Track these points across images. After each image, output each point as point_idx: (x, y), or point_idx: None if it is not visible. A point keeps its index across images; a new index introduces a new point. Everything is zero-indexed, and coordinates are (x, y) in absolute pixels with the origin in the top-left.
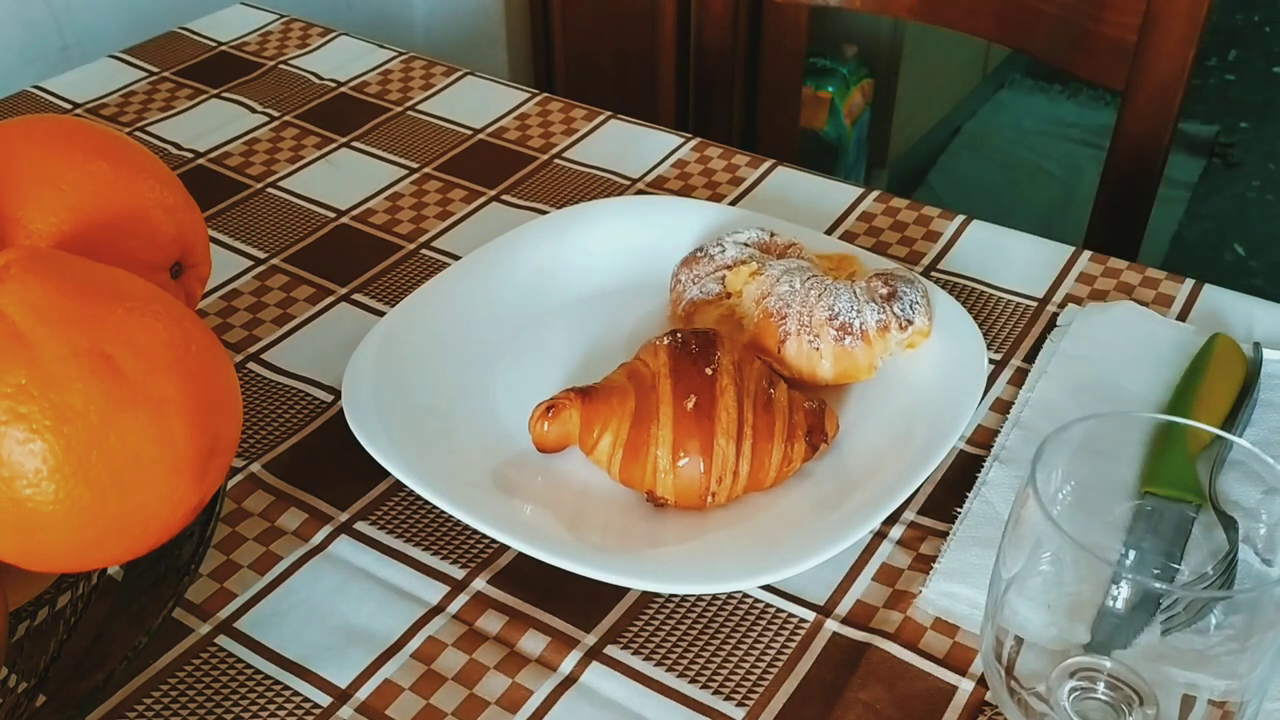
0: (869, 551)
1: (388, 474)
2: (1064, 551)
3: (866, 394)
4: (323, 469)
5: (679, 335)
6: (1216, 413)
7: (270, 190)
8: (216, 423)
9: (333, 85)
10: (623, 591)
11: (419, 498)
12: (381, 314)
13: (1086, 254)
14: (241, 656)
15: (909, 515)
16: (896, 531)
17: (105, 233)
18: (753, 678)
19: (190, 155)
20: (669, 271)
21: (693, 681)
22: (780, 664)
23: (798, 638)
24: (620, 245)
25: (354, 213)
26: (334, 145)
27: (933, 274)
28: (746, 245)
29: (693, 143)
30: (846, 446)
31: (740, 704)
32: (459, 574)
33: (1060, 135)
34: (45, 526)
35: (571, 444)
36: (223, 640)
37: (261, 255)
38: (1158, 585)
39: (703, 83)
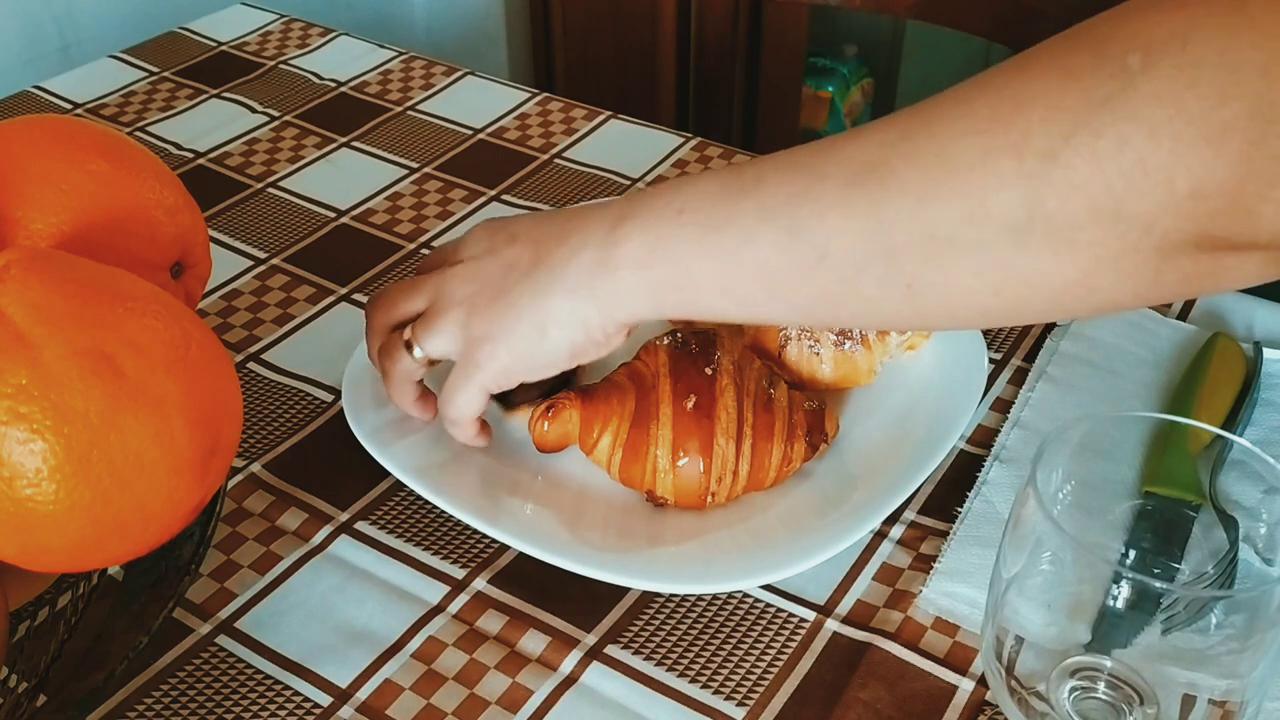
0: (869, 551)
1: (388, 474)
2: (1064, 551)
3: (866, 394)
4: (323, 469)
5: (679, 335)
6: (1217, 412)
7: (270, 190)
8: (217, 422)
9: (333, 85)
10: (623, 591)
11: (419, 498)
12: None
13: None
14: (242, 656)
15: (909, 515)
16: (897, 531)
17: (105, 233)
18: (753, 678)
19: (190, 155)
20: None
21: (693, 681)
22: (780, 664)
23: (798, 637)
24: None
25: (354, 213)
26: (334, 145)
27: None
28: None
29: (693, 143)
30: (846, 446)
31: (740, 704)
32: (459, 574)
33: None
34: (45, 526)
35: (571, 444)
36: (223, 640)
37: (261, 255)
38: (1158, 585)
39: (703, 82)
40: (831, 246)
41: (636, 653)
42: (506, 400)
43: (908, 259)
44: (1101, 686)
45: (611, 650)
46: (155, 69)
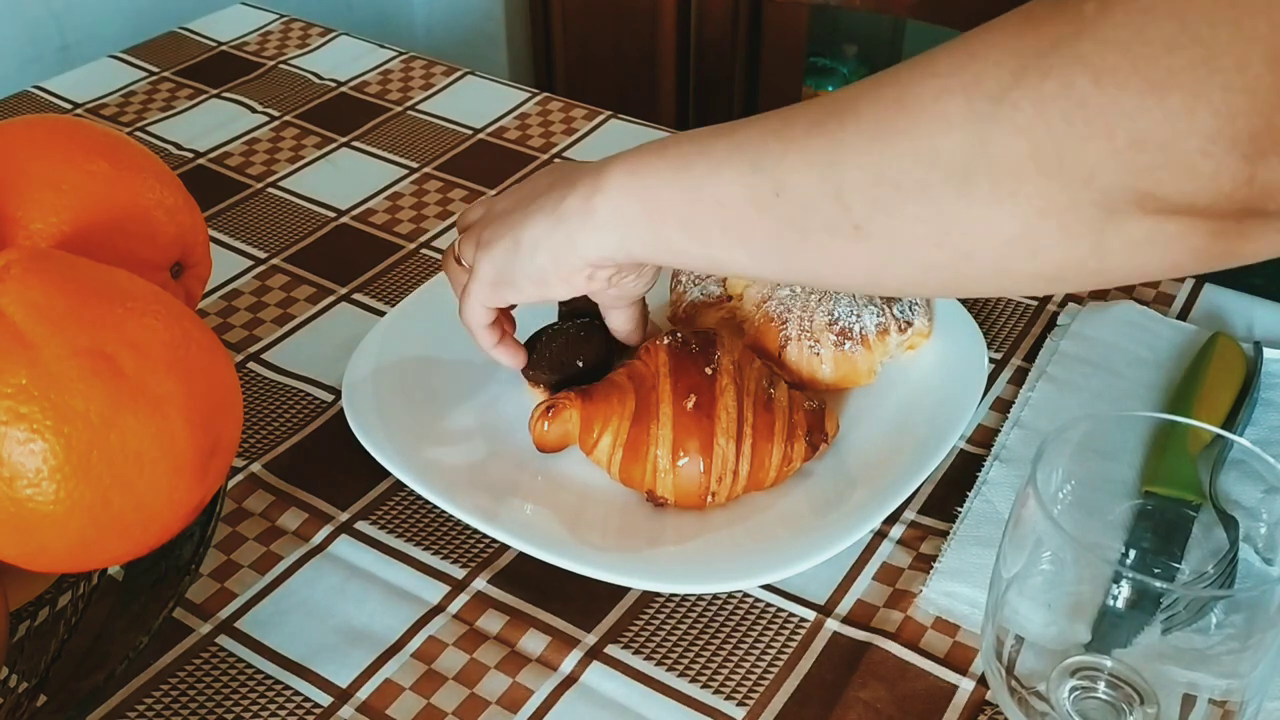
0: (869, 551)
1: (388, 474)
2: (1064, 551)
3: (867, 393)
4: (323, 469)
5: (679, 335)
6: (1217, 412)
7: (270, 190)
8: (217, 423)
9: (333, 85)
10: (623, 591)
11: (419, 498)
12: (381, 314)
13: None
14: (242, 656)
15: (909, 515)
16: (897, 531)
17: (105, 233)
18: (753, 677)
19: (190, 155)
20: (669, 272)
21: (693, 681)
22: (781, 663)
23: (798, 637)
24: None
25: (354, 213)
26: (334, 145)
27: None
28: None
29: None
30: (846, 446)
31: (740, 704)
32: (459, 574)
33: None
34: (46, 526)
35: (571, 444)
36: (223, 640)
37: (261, 255)
38: (1158, 584)
39: (703, 82)
40: (787, 182)
41: (636, 653)
42: (529, 375)
43: (856, 199)
44: (1101, 686)
45: (611, 650)
46: (155, 69)
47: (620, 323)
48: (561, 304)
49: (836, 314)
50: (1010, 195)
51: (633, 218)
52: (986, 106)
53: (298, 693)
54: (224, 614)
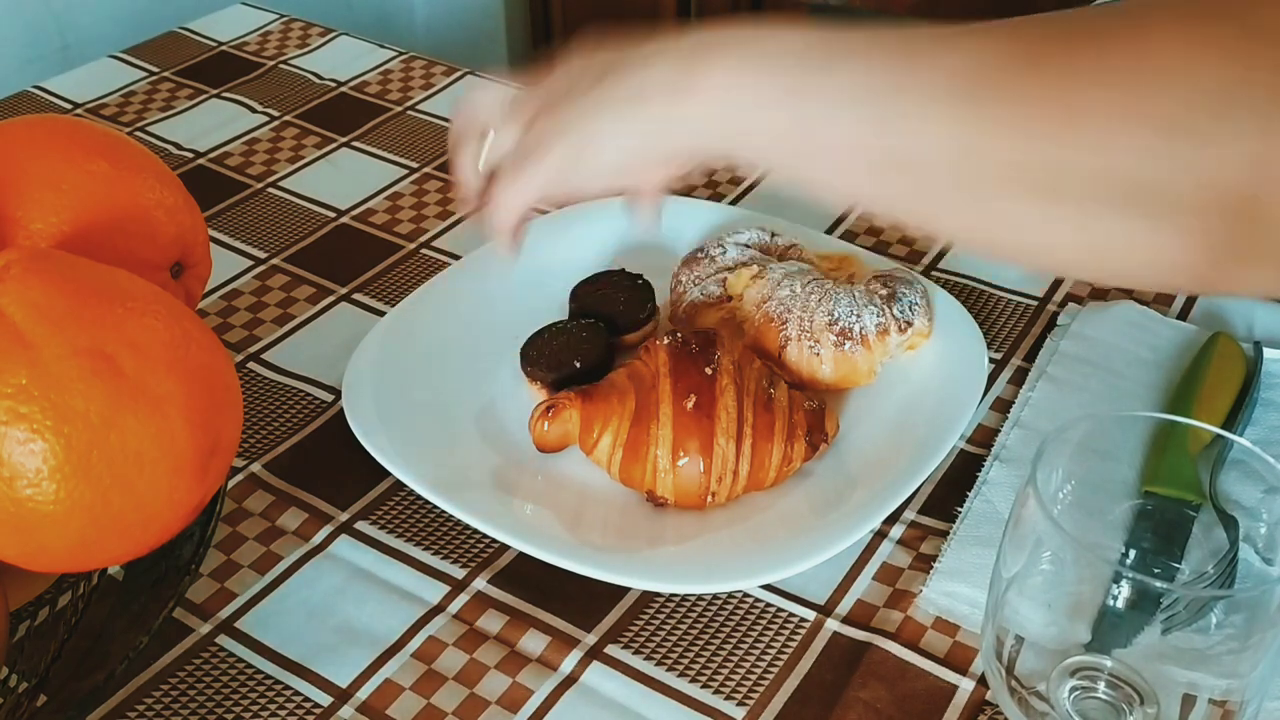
0: (869, 551)
1: (388, 474)
2: (1065, 551)
3: (867, 393)
4: (323, 469)
5: (679, 335)
6: (1217, 412)
7: (270, 190)
8: (217, 423)
9: (333, 85)
10: (623, 591)
11: (419, 498)
12: (381, 314)
13: None
14: (242, 656)
15: (909, 515)
16: (897, 531)
17: (105, 233)
18: (753, 677)
19: (190, 155)
20: (670, 271)
21: (693, 681)
22: (780, 663)
23: (798, 637)
24: (620, 245)
25: (354, 213)
26: (334, 145)
27: (933, 273)
28: (747, 246)
29: None
30: (846, 446)
31: (740, 704)
32: (459, 574)
33: None
34: (46, 526)
35: (571, 444)
36: (223, 640)
37: (261, 255)
38: (1158, 584)
39: None
40: (922, 158)
41: (636, 653)
42: (529, 373)
43: (1003, 189)
44: (1101, 686)
45: (611, 650)
46: (155, 69)
47: (649, 216)
48: (573, 302)
49: (836, 314)
50: (1173, 228)
51: (733, 128)
52: (1185, 143)
53: (298, 693)
54: (224, 614)
